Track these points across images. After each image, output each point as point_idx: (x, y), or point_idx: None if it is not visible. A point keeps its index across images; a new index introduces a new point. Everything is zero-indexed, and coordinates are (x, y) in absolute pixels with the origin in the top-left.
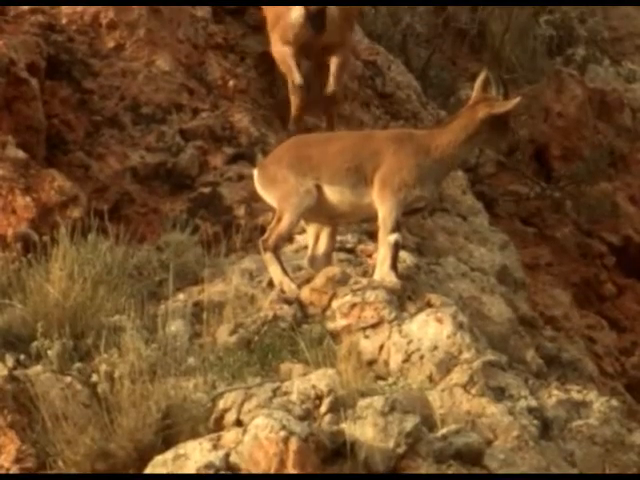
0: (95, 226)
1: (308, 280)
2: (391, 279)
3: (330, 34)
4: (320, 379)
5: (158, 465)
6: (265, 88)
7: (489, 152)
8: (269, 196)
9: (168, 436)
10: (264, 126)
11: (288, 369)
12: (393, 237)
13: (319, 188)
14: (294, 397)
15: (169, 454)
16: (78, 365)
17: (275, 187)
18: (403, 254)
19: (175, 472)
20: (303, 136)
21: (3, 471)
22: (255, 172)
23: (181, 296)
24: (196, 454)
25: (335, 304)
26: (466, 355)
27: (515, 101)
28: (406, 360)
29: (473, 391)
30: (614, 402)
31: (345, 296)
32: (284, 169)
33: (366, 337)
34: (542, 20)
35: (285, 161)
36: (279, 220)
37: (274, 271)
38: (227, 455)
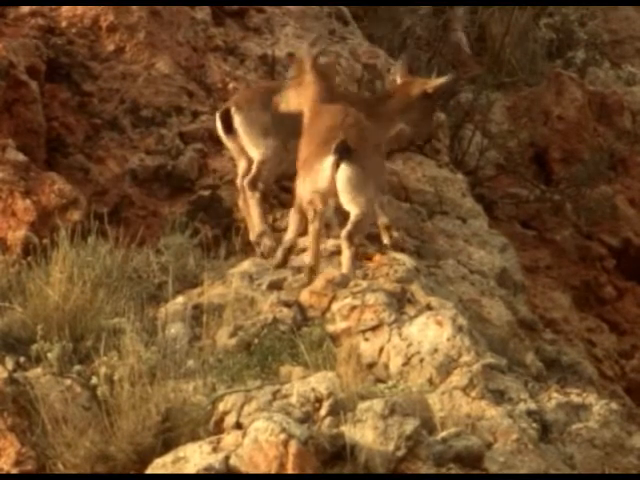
0: (95, 229)
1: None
2: None
3: None
4: (320, 382)
5: (158, 468)
6: None
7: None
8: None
9: (168, 439)
10: None
11: (288, 372)
12: None
13: None
14: (294, 400)
15: (169, 457)
16: (78, 368)
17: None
18: (403, 257)
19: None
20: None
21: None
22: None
23: (181, 299)
24: (196, 457)
25: (335, 307)
26: (466, 358)
27: (447, 77)
28: (406, 363)
29: (473, 394)
30: (614, 405)
31: (345, 299)
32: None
33: (366, 340)
34: (542, 23)
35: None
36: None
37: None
38: (227, 458)
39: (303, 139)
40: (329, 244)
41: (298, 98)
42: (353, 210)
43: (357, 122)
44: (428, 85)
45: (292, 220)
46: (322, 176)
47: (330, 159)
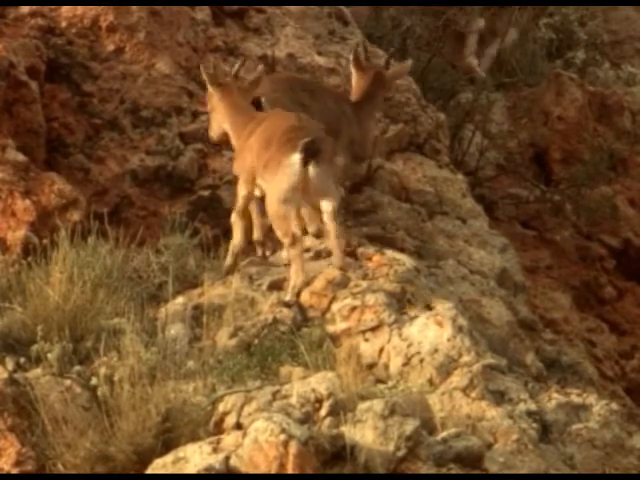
0: (95, 229)
1: (307, 283)
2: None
3: None
4: (320, 382)
5: (158, 468)
6: None
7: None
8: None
9: (168, 439)
10: None
11: (288, 372)
12: None
13: None
14: (294, 400)
15: (169, 457)
16: (78, 368)
17: None
18: (403, 257)
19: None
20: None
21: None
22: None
23: (181, 299)
24: (196, 457)
25: (335, 307)
26: (466, 358)
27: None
28: (406, 363)
29: (473, 394)
30: (614, 405)
31: (345, 299)
32: None
33: (366, 340)
34: (542, 23)
35: None
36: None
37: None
38: (227, 458)
39: (252, 147)
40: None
41: (217, 121)
42: (327, 201)
43: (313, 123)
44: (400, 74)
45: (236, 225)
46: (291, 171)
47: (297, 156)
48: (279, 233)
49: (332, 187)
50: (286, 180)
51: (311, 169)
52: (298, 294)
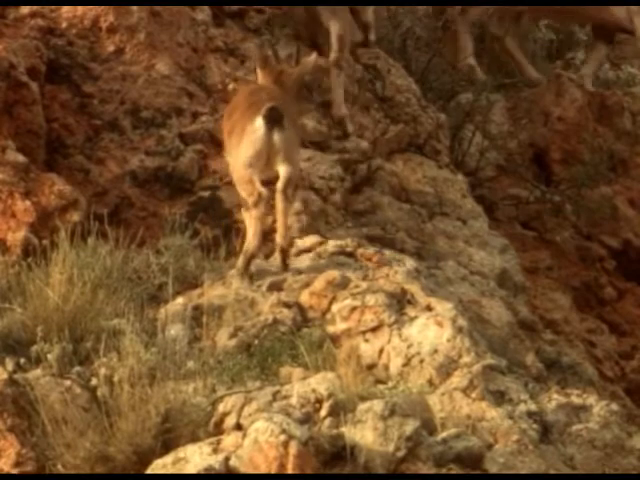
0: (95, 230)
1: (307, 284)
2: None
3: None
4: (320, 383)
5: (157, 469)
6: None
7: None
8: None
9: (168, 440)
10: None
11: (288, 373)
12: None
13: None
14: (294, 401)
15: (169, 458)
16: (78, 369)
17: None
18: (403, 258)
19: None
20: None
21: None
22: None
23: (181, 300)
24: (196, 458)
25: (335, 308)
26: (466, 359)
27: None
28: (406, 364)
29: (473, 395)
30: (614, 406)
31: (345, 300)
32: None
33: (366, 341)
34: (542, 24)
35: None
36: None
37: None
38: (227, 459)
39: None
40: (330, 245)
41: None
42: (285, 167)
43: (274, 89)
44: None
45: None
46: (256, 137)
47: (260, 121)
48: (244, 194)
49: (295, 154)
50: (251, 146)
51: (275, 135)
52: (249, 261)
